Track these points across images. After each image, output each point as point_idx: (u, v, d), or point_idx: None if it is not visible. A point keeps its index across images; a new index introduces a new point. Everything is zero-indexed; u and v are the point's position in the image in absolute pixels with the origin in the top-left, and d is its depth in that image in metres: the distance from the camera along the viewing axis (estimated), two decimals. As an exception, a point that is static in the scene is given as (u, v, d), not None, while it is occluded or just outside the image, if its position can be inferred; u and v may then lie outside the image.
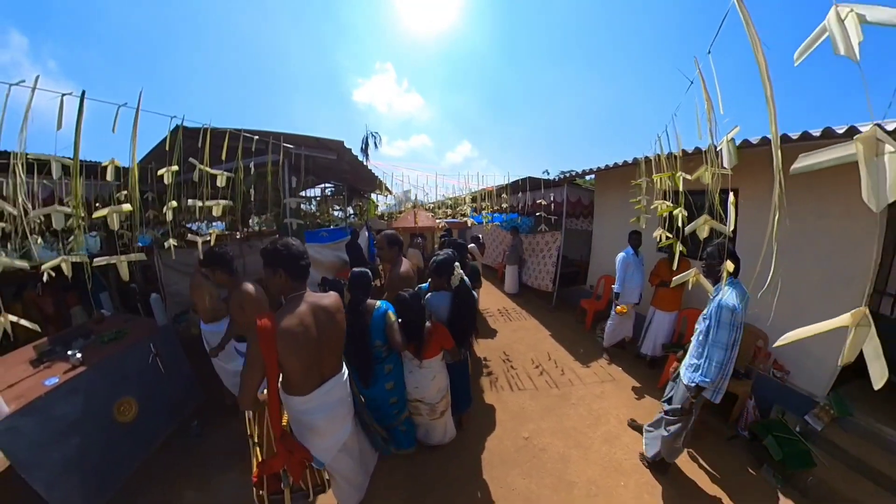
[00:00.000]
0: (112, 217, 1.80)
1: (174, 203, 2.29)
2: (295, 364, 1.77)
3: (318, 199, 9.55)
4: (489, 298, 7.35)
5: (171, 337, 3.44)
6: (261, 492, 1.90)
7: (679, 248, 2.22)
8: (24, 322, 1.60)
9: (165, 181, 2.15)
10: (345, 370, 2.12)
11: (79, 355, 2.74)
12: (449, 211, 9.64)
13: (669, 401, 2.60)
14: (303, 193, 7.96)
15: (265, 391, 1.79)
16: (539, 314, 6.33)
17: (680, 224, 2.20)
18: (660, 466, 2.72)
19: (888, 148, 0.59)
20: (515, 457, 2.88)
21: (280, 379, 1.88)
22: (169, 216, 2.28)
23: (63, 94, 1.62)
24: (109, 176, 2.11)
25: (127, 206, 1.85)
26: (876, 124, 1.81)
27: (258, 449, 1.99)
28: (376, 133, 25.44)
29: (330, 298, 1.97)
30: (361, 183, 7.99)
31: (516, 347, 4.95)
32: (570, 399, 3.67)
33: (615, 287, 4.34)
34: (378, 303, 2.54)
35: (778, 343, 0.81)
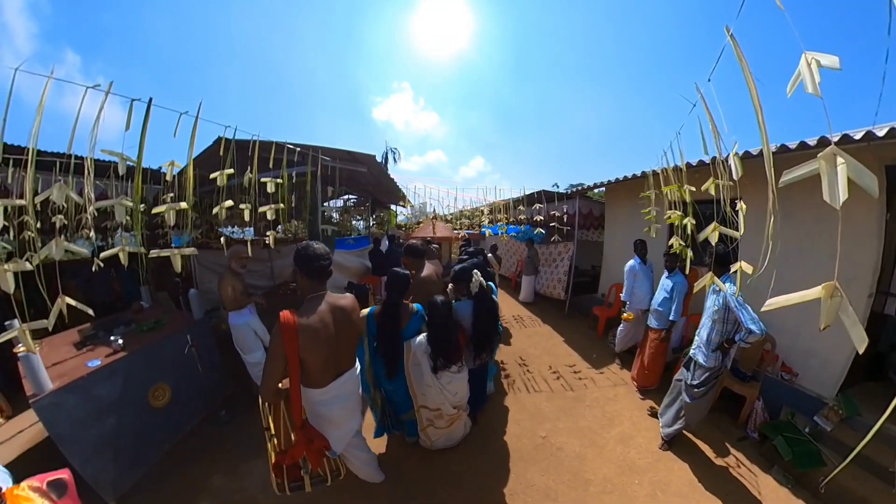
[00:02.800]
0: (168, 214, 2.00)
1: (229, 202, 2.45)
2: (315, 358, 1.85)
3: (340, 209, 9.82)
4: (504, 306, 7.40)
5: (205, 330, 3.57)
6: (279, 480, 1.92)
7: (690, 255, 2.31)
8: (79, 305, 1.70)
9: (219, 183, 2.32)
10: (357, 365, 2.20)
11: (120, 341, 2.83)
12: (466, 222, 9.79)
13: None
14: (328, 204, 8.22)
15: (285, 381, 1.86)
16: (552, 321, 6.36)
17: (689, 232, 2.29)
18: (674, 440, 3.03)
19: (839, 160, 0.72)
20: (534, 454, 2.94)
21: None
22: (223, 215, 2.44)
23: (133, 100, 1.75)
24: (169, 176, 2.22)
25: (183, 204, 2.02)
26: (869, 130, 1.90)
27: (275, 440, 2.00)
28: (395, 149, 25.92)
29: (347, 300, 2.05)
30: (383, 195, 8.21)
31: (531, 352, 5.01)
32: (584, 401, 3.72)
33: (622, 296, 4.37)
34: (414, 306, 2.66)
35: (764, 308, 0.91)
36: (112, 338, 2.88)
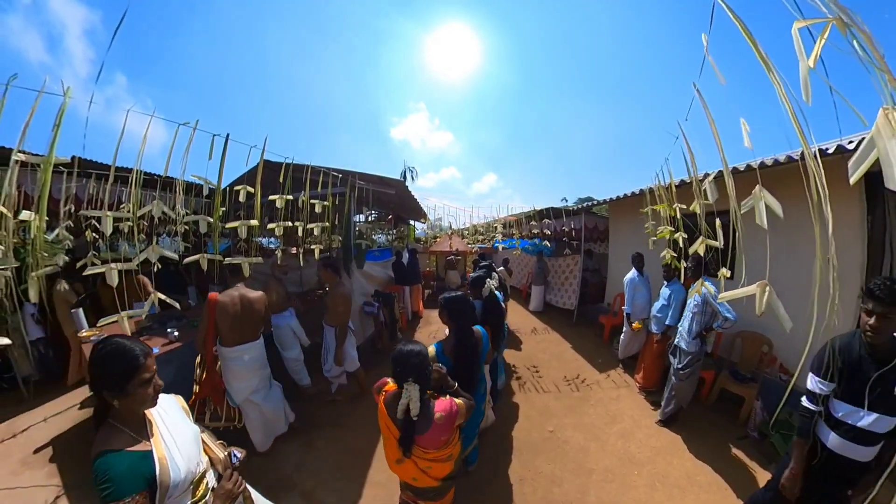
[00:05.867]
0: (242, 229, 2.26)
1: (288, 223, 2.69)
2: (223, 323, 2.57)
3: (364, 223, 10.14)
4: (515, 316, 7.43)
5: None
6: (192, 413, 2.43)
7: (680, 265, 2.44)
8: (169, 300, 1.91)
9: (278, 205, 2.57)
10: (261, 340, 2.81)
11: (176, 333, 3.09)
12: (480, 237, 9.98)
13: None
14: (356, 219, 8.52)
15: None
16: (561, 329, 6.41)
17: (681, 245, 2.42)
18: (671, 420, 3.31)
19: (764, 194, 0.87)
20: (542, 446, 3.04)
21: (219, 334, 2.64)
22: (279, 231, 2.71)
23: (180, 124, 1.88)
24: (205, 191, 2.43)
25: (254, 222, 2.27)
26: (839, 143, 1.99)
27: (197, 385, 2.67)
28: (413, 168, 26.45)
29: (255, 294, 2.73)
30: (405, 211, 8.48)
31: (540, 357, 5.08)
32: (589, 401, 3.79)
33: (625, 308, 4.39)
34: (478, 328, 2.30)
35: (719, 299, 1.04)
36: (168, 330, 3.12)
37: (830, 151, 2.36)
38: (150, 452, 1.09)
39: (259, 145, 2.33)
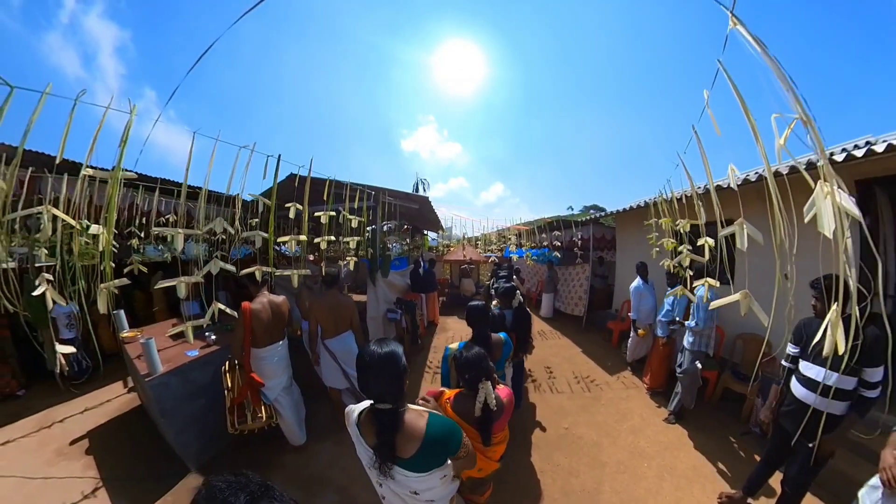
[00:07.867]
0: (291, 243, 2.50)
1: (332, 237, 2.93)
2: (258, 327, 2.70)
3: (385, 232, 10.42)
4: (526, 321, 7.63)
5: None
6: (231, 419, 2.57)
7: (683, 273, 2.65)
8: (227, 310, 2.10)
9: (322, 220, 2.83)
10: (286, 340, 2.99)
11: (213, 336, 3.24)
12: (493, 247, 10.20)
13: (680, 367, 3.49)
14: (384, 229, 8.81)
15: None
16: (571, 334, 6.56)
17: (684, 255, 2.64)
18: (679, 414, 3.55)
19: (745, 225, 1.11)
20: (558, 442, 3.24)
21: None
22: (323, 245, 2.94)
23: (241, 147, 2.09)
24: (262, 206, 2.68)
25: (303, 237, 2.51)
26: (831, 154, 2.23)
27: (231, 394, 2.67)
28: (425, 179, 26.88)
29: (279, 298, 2.94)
30: (423, 223, 8.75)
31: (553, 360, 5.27)
32: (600, 400, 3.98)
33: (631, 315, 4.57)
34: (501, 335, 2.49)
35: (711, 307, 1.26)
36: (206, 334, 3.28)
37: (820, 164, 2.56)
38: None
39: (276, 155, 2.43)
